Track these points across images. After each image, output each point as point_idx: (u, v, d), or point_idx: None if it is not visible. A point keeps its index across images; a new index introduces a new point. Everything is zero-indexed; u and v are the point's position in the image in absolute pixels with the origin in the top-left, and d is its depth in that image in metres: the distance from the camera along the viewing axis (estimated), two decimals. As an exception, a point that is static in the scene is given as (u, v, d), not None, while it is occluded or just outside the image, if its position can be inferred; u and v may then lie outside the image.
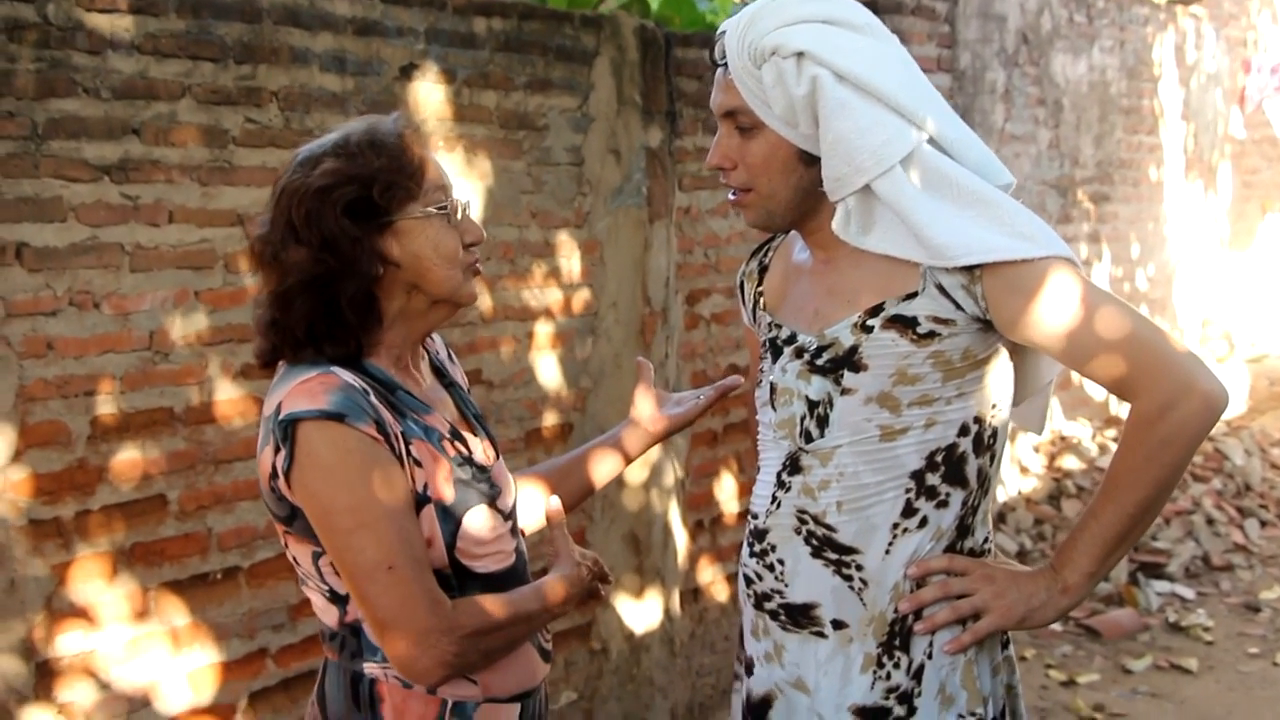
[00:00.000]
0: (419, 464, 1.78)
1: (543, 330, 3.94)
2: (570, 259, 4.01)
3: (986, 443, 1.96)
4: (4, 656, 2.76)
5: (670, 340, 4.33)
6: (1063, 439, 6.85)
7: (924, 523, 1.93)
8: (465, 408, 1.98)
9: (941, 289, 1.88)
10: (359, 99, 3.37)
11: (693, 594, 4.53)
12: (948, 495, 1.94)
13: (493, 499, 1.88)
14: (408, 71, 3.51)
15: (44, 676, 2.83)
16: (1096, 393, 7.02)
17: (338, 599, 1.81)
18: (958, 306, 1.88)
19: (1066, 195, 6.89)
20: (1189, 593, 5.68)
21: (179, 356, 3.06)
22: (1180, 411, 1.82)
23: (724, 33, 1.95)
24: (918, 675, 1.94)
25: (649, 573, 4.28)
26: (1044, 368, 2.08)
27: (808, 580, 1.96)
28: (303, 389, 1.74)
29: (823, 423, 1.95)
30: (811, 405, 1.96)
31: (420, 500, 1.78)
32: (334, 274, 1.78)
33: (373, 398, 1.75)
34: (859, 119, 1.87)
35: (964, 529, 1.97)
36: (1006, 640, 2.04)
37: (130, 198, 2.97)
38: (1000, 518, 6.04)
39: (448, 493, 1.80)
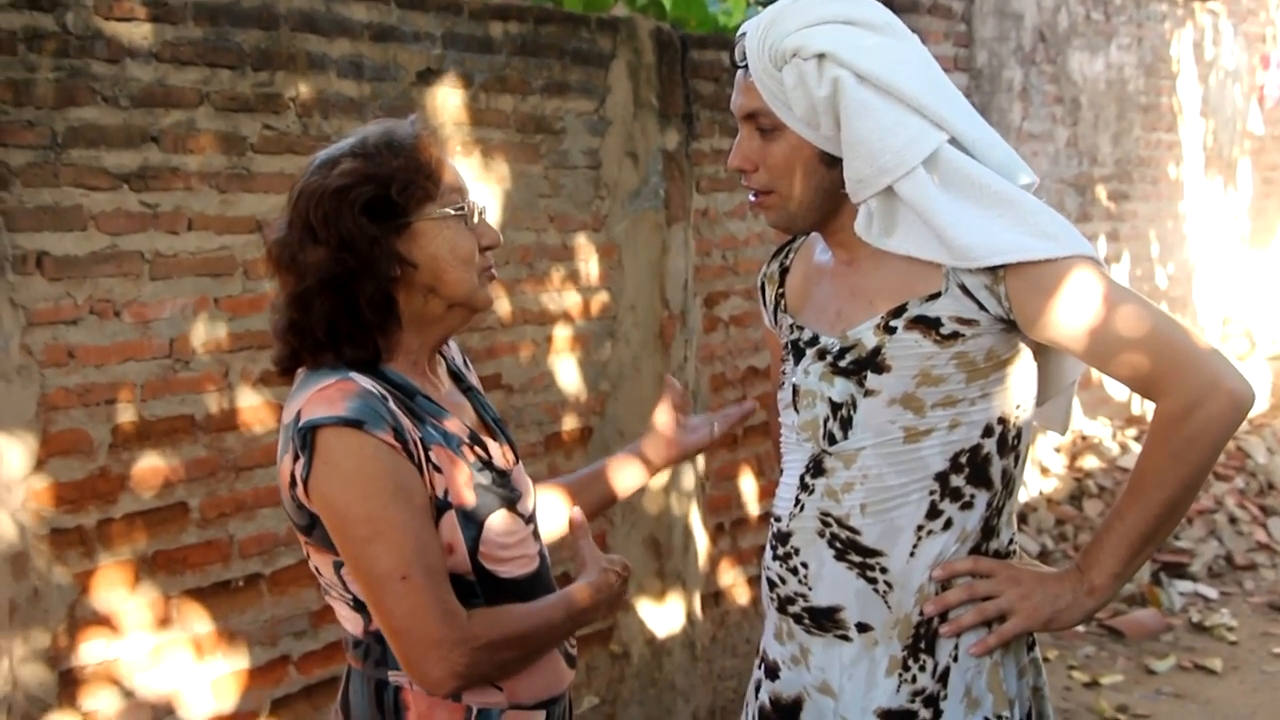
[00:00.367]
0: (439, 470, 1.78)
1: (561, 334, 3.94)
2: (588, 262, 4.00)
3: (1010, 443, 1.95)
4: (28, 665, 2.77)
5: (689, 343, 4.33)
6: (1084, 439, 6.82)
7: (949, 524, 1.92)
8: (484, 412, 1.98)
9: (965, 289, 1.87)
10: (376, 104, 3.38)
11: (714, 598, 4.52)
12: (972, 497, 1.93)
13: (512, 503, 1.87)
14: (425, 76, 3.52)
15: (68, 685, 2.84)
16: (1117, 392, 6.99)
17: (362, 607, 1.80)
18: (981, 307, 1.87)
19: (1085, 193, 6.86)
20: (1212, 592, 5.65)
21: (199, 364, 3.07)
22: (1206, 410, 1.81)
23: (744, 34, 1.94)
24: (943, 678, 1.93)
25: (670, 576, 4.27)
26: (1067, 367, 2.07)
27: (832, 583, 1.95)
28: (321, 396, 1.73)
29: (846, 424, 1.94)
30: (835, 407, 1.95)
31: (441, 506, 1.77)
32: (353, 273, 1.77)
33: (391, 404, 1.75)
34: (881, 120, 1.86)
35: (989, 530, 1.95)
36: (1032, 642, 2.02)
37: (149, 205, 2.97)
38: (1022, 518, 6.02)
39: (469, 498, 1.80)
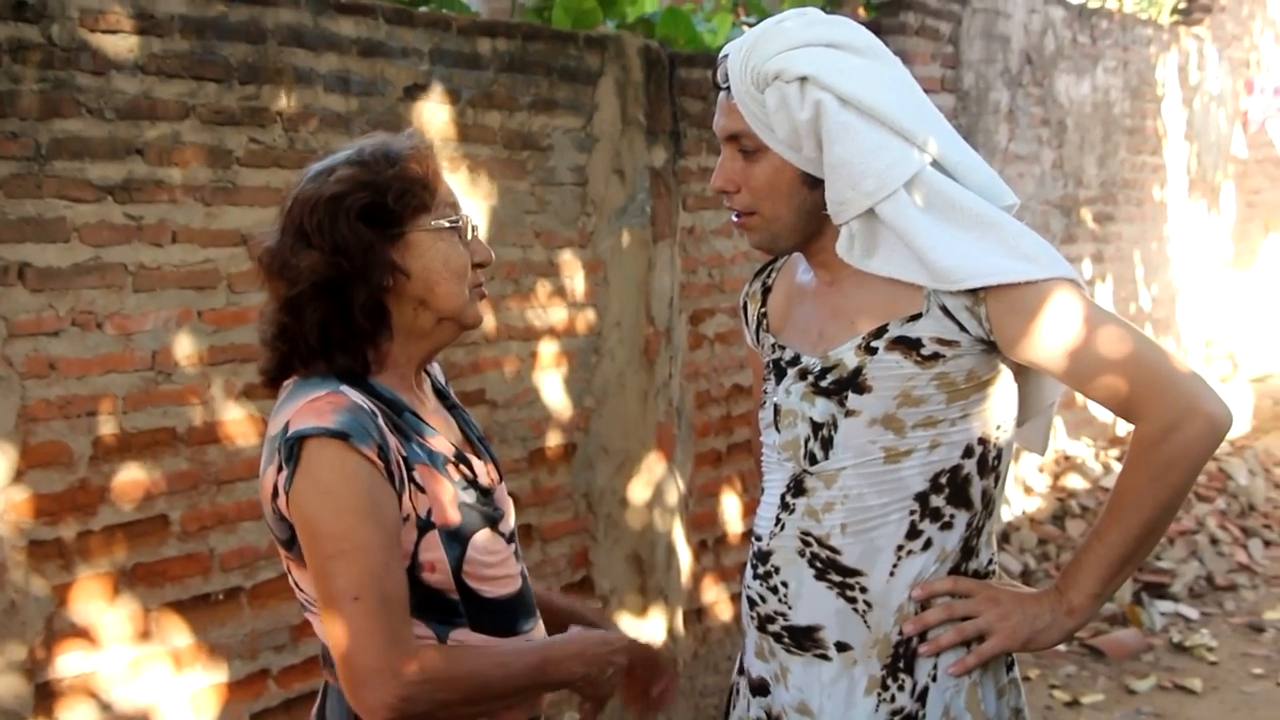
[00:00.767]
0: (422, 489, 1.77)
1: (546, 350, 3.94)
2: (574, 279, 4.01)
3: (991, 464, 1.95)
4: (5, 677, 2.75)
5: (674, 360, 4.33)
6: (1067, 458, 6.84)
7: (928, 544, 1.93)
8: (468, 429, 1.98)
9: (945, 311, 1.88)
10: (363, 119, 3.38)
11: (696, 614, 4.52)
12: (952, 517, 1.93)
13: (495, 522, 1.87)
14: (412, 92, 3.52)
15: (44, 698, 2.82)
16: (1100, 413, 7.02)
17: (339, 622, 1.79)
18: (962, 328, 1.88)
19: (1070, 215, 6.89)
20: (1193, 613, 5.66)
21: (182, 377, 3.06)
22: (1184, 433, 1.82)
23: (726, 56, 1.94)
24: (922, 698, 1.93)
25: (652, 592, 4.27)
26: (1047, 388, 2.08)
27: (811, 603, 1.96)
28: (312, 407, 1.73)
29: (827, 445, 1.94)
30: (815, 427, 1.95)
31: (423, 527, 1.77)
32: (347, 278, 1.76)
33: (380, 420, 1.74)
34: (863, 143, 1.87)
35: (968, 550, 1.96)
36: (1012, 662, 2.03)
37: (134, 218, 2.97)
38: (1004, 538, 6.03)
39: (454, 516, 1.79)
